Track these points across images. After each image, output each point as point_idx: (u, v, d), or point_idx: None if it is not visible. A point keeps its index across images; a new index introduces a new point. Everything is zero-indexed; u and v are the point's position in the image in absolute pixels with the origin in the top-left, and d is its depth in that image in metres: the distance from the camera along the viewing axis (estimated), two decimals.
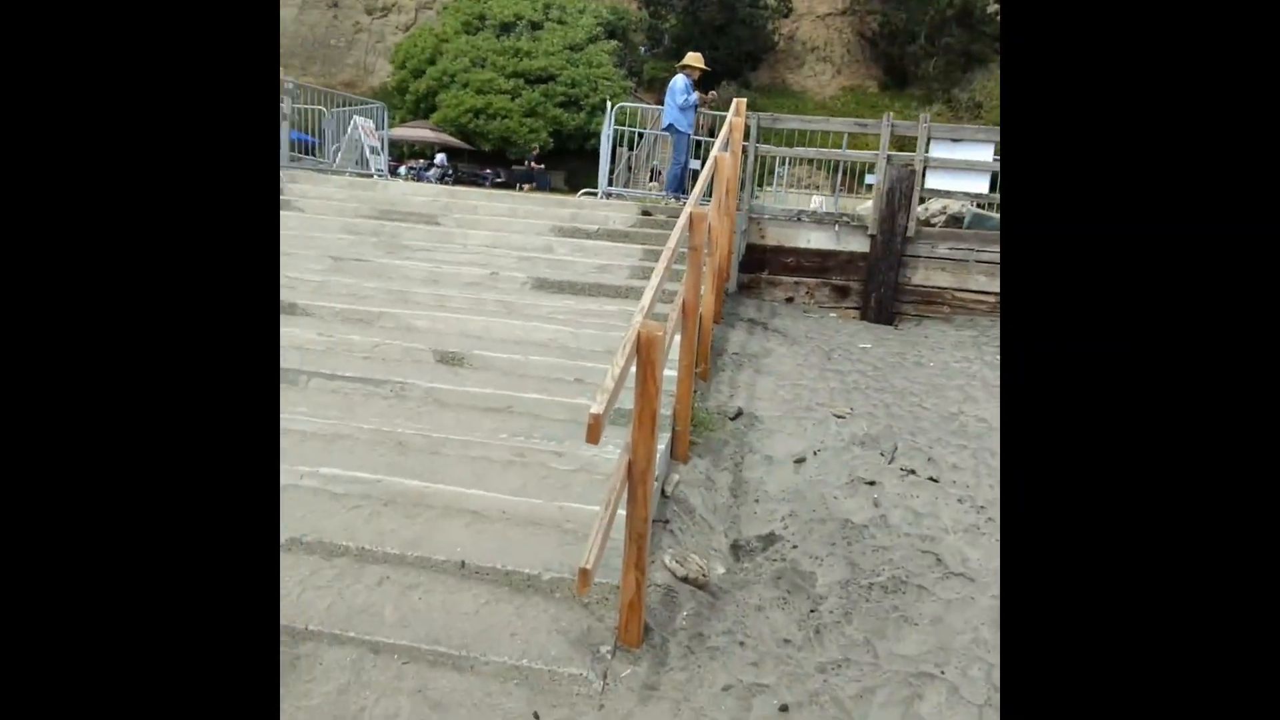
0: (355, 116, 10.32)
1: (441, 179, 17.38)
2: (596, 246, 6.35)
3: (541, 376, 4.52)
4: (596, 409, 2.18)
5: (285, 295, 5.29)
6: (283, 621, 2.61)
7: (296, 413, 3.99)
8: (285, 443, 3.80)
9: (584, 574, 2.31)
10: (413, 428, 3.88)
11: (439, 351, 4.65)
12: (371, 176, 9.58)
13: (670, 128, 7.91)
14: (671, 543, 3.46)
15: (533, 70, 20.28)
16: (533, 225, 6.70)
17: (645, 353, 2.59)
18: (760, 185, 9.45)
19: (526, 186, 16.86)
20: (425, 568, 3.06)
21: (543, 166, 19.77)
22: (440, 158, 18.90)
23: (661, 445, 3.60)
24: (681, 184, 8.04)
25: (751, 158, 7.80)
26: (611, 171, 9.13)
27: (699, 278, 4.08)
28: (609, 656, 2.72)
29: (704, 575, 3.22)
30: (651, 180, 12.64)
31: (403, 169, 17.77)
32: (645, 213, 7.19)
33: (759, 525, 3.92)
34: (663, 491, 3.80)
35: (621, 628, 2.79)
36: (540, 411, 4.15)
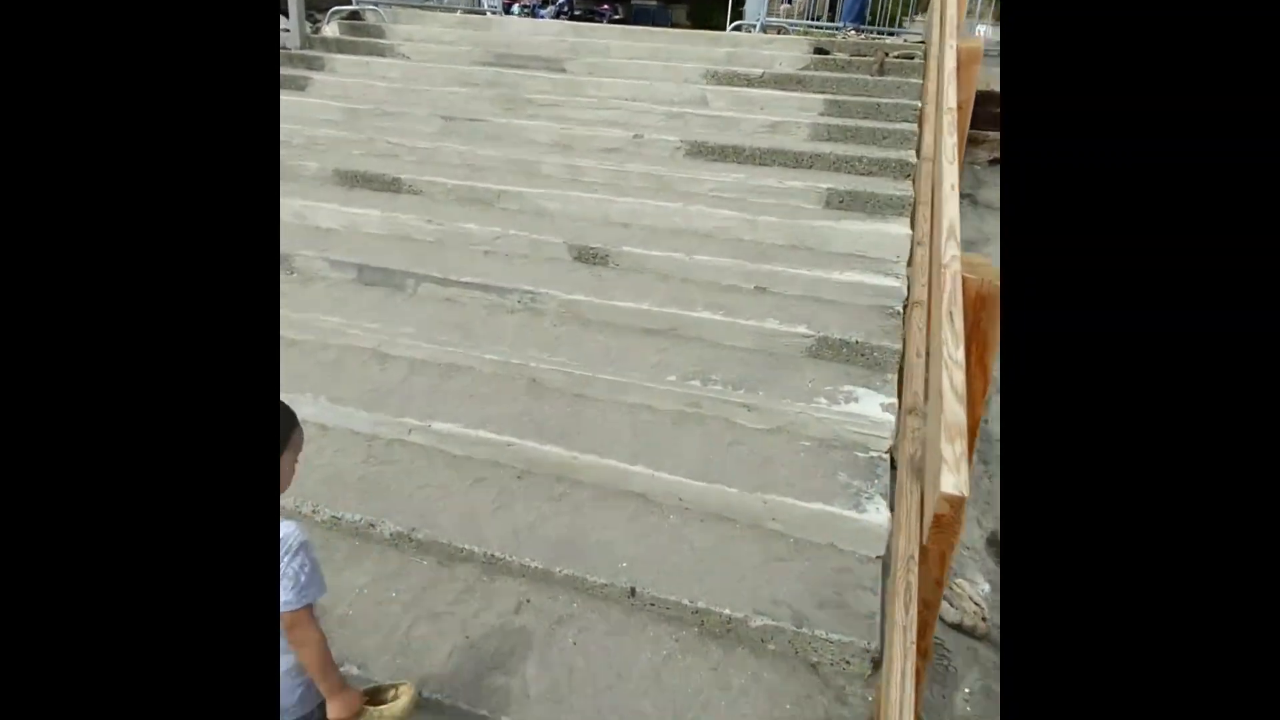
0: None
1: (558, 15, 15.58)
2: (763, 97, 4.94)
3: (711, 282, 3.39)
4: (953, 488, 1.05)
5: (389, 167, 4.32)
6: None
7: (402, 332, 3.09)
8: (389, 375, 2.96)
9: None
10: (549, 360, 2.90)
11: (576, 246, 3.58)
12: (484, 13, 8.25)
13: None
14: None
15: None
16: (679, 70, 5.32)
17: (974, 315, 1.41)
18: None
19: None
20: (579, 590, 2.16)
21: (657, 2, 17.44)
22: None
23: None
24: (863, 11, 6.31)
25: None
26: None
27: (961, 149, 2.73)
28: None
29: (984, 619, 2.16)
30: (786, 2, 10.35)
31: (515, 7, 16.06)
32: (819, 50, 5.63)
33: None
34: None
35: None
36: (716, 337, 3.06)
